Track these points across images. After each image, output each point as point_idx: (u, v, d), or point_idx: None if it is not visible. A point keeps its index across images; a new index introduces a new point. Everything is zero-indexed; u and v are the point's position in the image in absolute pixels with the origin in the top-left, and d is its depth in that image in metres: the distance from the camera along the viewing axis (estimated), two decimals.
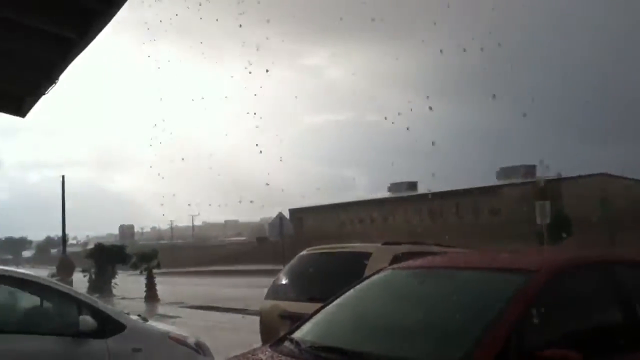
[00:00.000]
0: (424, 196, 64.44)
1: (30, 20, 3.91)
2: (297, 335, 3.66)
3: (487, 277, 3.61)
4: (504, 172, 61.47)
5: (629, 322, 3.51)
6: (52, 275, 32.37)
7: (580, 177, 49.50)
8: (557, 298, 3.20)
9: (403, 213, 66.04)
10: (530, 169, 60.00)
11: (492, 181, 61.75)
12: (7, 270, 6.16)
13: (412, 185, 69.95)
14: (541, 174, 56.56)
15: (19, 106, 5.34)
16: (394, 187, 70.94)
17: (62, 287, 6.06)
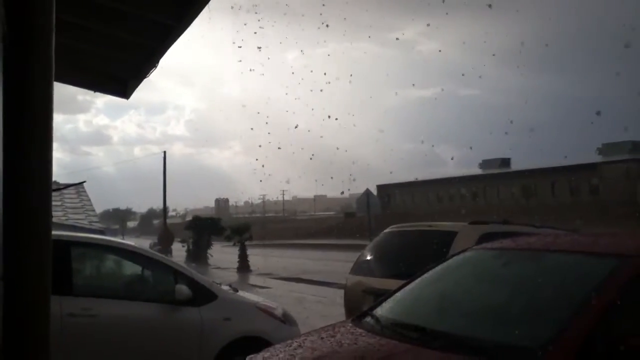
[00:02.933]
0: (517, 173, 62.12)
1: (132, 8, 4.15)
2: (378, 311, 3.71)
3: (576, 261, 3.49)
4: (608, 148, 57.78)
5: None
6: (153, 245, 34.52)
7: None
8: None
9: (494, 191, 64.09)
10: (636, 145, 56.08)
11: (594, 158, 58.32)
12: (113, 242, 6.69)
13: (505, 162, 67.55)
14: None
15: (124, 88, 5.70)
16: (485, 163, 68.83)
17: (161, 257, 6.48)
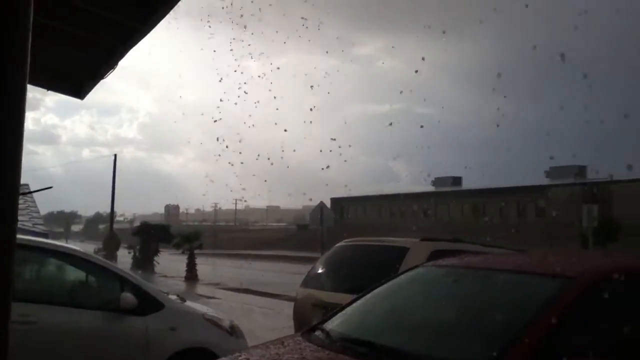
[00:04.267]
0: (468, 192, 63.52)
1: (95, 7, 4.03)
2: (328, 325, 3.69)
3: (522, 281, 3.56)
4: (555, 171, 59.79)
5: None
6: (98, 250, 33.54)
7: (632, 180, 47.72)
8: (593, 306, 3.12)
9: (445, 208, 65.29)
10: (582, 170, 58.24)
11: (542, 180, 60.22)
12: (56, 245, 6.42)
13: (457, 181, 69.01)
14: (592, 175, 54.99)
15: (79, 88, 5.53)
16: (438, 181, 70.10)
17: (106, 263, 6.27)
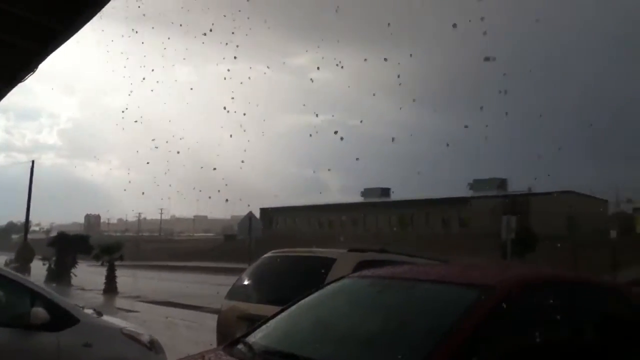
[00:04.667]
0: (395, 203, 64.87)
1: (12, 7, 3.79)
2: (251, 338, 3.60)
3: (444, 291, 3.61)
4: (478, 184, 62.13)
5: (581, 343, 3.55)
6: (10, 262, 31.66)
7: (548, 193, 50.33)
8: (511, 315, 3.21)
9: (374, 219, 66.36)
10: (503, 183, 60.87)
11: (465, 192, 62.40)
12: None
13: (385, 192, 70.31)
14: (513, 188, 57.57)
15: None
16: (367, 192, 71.23)
17: (16, 276, 5.89)
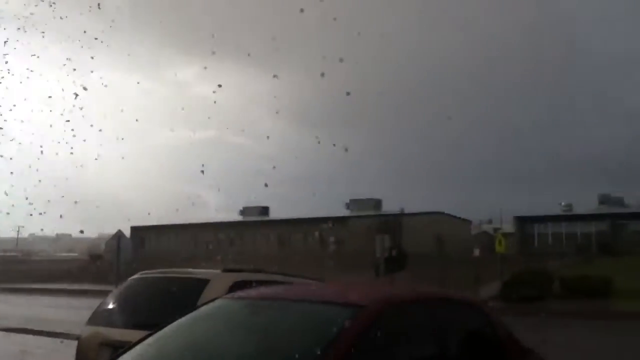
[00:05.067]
0: (274, 222, 65.00)
1: None
2: None
3: (317, 310, 3.61)
4: (354, 203, 64.04)
5: (443, 355, 3.72)
6: None
7: (419, 214, 53.11)
8: (382, 333, 3.27)
9: (252, 238, 66.00)
10: (378, 203, 63.34)
11: (343, 212, 64.01)
12: None
13: (264, 210, 70.25)
14: (387, 208, 60.06)
15: None
16: (246, 210, 70.71)
17: None
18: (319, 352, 2.95)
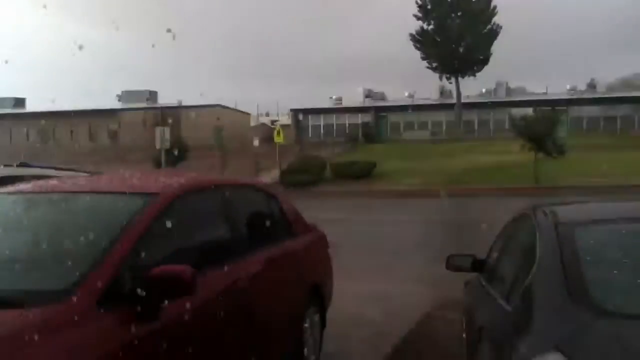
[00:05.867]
0: (33, 114, 58.57)
1: None
2: None
3: (105, 201, 3.37)
4: (127, 95, 60.38)
5: (236, 235, 3.89)
6: None
7: (197, 106, 52.30)
8: (176, 219, 3.20)
9: (6, 132, 58.96)
10: (153, 95, 60.59)
11: (114, 104, 60.08)
12: None
13: (20, 102, 62.83)
14: (163, 100, 57.88)
15: None
16: None
17: None
18: (107, 245, 2.77)
